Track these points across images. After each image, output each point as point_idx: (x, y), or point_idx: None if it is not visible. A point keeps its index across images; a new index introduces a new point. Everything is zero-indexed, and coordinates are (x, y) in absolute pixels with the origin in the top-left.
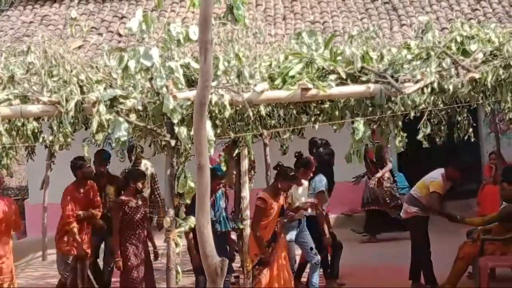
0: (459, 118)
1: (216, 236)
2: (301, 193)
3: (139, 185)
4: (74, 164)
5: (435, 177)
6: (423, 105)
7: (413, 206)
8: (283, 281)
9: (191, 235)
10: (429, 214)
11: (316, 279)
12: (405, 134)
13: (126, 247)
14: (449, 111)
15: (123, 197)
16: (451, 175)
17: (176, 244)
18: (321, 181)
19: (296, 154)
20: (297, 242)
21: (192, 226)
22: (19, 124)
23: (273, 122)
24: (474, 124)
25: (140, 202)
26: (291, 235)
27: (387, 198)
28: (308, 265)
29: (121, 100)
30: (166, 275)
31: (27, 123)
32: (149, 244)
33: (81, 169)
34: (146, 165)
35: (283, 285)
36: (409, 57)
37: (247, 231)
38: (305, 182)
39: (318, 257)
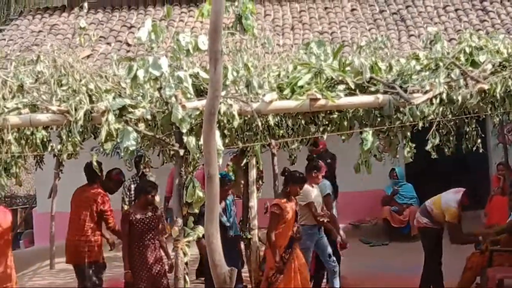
0: (468, 129)
1: (228, 240)
2: (314, 198)
3: (150, 197)
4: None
5: (452, 205)
6: (432, 116)
7: (424, 217)
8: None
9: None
10: (440, 227)
11: (337, 285)
12: (414, 145)
13: (134, 259)
14: (457, 121)
15: (130, 209)
16: (461, 201)
17: (184, 254)
18: (325, 184)
19: (309, 155)
20: (316, 249)
21: (201, 235)
22: (28, 132)
23: (281, 132)
24: (483, 135)
25: (149, 214)
26: (310, 242)
27: None
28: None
29: (130, 109)
30: (174, 284)
31: (36, 132)
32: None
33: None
34: (150, 177)
35: None
36: (418, 67)
37: (255, 240)
38: (315, 188)
39: (337, 264)
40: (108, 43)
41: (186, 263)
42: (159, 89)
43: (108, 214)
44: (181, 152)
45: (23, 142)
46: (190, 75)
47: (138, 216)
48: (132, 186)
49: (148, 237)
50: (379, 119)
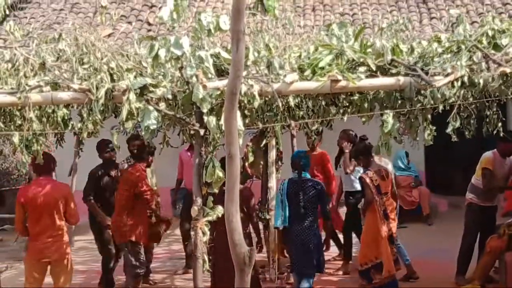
0: (489, 112)
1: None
2: None
3: None
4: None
5: (488, 155)
6: (453, 99)
7: (470, 193)
8: None
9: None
10: (486, 203)
11: None
12: (434, 128)
13: None
14: (478, 105)
15: None
16: (502, 149)
17: (203, 233)
18: None
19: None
20: None
21: (220, 215)
22: (50, 110)
23: (301, 113)
24: (503, 119)
25: None
26: None
27: None
28: None
29: (151, 88)
30: (193, 263)
31: (57, 109)
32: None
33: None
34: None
35: None
36: (440, 50)
37: (273, 221)
38: None
39: None
40: (129, 22)
41: (205, 242)
42: (180, 68)
43: (145, 191)
44: (202, 132)
45: (44, 119)
46: (211, 55)
47: None
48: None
49: None
50: (399, 102)
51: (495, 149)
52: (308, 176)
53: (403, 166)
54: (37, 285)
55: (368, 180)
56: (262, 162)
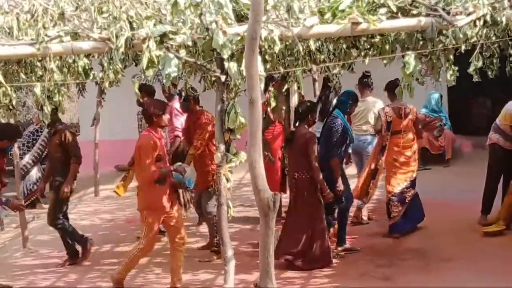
0: None
1: None
2: None
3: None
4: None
5: (511, 108)
6: (475, 38)
7: (495, 133)
8: None
9: None
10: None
11: None
12: (457, 68)
13: None
14: (501, 44)
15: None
16: None
17: (227, 180)
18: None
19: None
20: None
21: (243, 161)
22: (70, 61)
23: (322, 57)
24: None
25: None
26: None
27: None
28: None
29: (171, 36)
30: (217, 210)
31: (78, 60)
32: None
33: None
34: None
35: None
36: None
37: None
38: None
39: None
40: None
41: (229, 189)
42: (200, 15)
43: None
44: (223, 78)
45: (65, 70)
46: (230, 1)
47: None
48: None
49: None
50: (421, 42)
51: None
52: (339, 115)
53: (436, 109)
54: None
55: (382, 114)
56: (284, 107)
